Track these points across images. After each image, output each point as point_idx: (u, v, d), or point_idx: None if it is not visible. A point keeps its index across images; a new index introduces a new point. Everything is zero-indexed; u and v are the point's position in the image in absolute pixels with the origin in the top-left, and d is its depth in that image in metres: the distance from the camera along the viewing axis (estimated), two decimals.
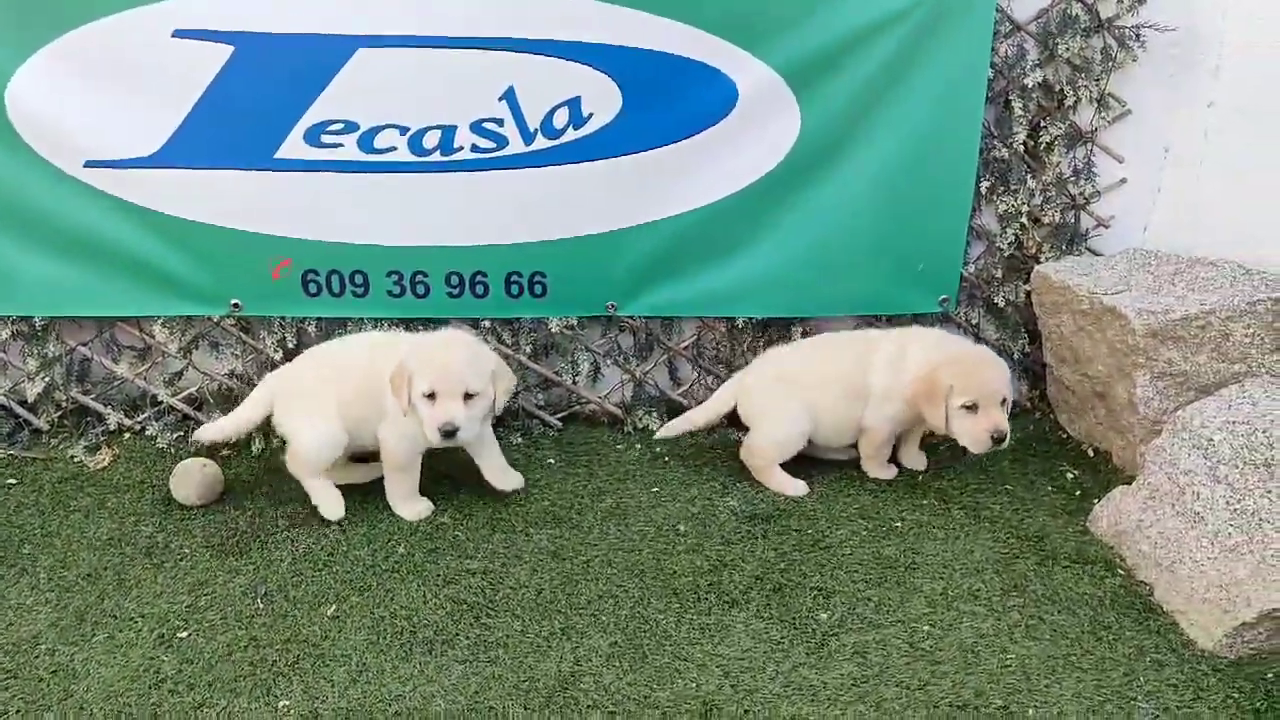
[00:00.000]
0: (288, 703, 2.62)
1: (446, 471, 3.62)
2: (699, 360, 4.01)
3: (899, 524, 3.41)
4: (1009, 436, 3.29)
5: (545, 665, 2.75)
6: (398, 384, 3.15)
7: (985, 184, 3.81)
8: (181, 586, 3.06)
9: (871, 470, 3.64)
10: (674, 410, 4.03)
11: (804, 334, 3.94)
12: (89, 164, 3.46)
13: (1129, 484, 3.28)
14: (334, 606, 2.98)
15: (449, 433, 3.10)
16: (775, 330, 3.95)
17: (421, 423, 3.15)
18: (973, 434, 3.30)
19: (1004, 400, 3.30)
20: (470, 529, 3.36)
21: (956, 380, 3.30)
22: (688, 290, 3.85)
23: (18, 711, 2.57)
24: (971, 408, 3.29)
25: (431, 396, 3.12)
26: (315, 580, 3.09)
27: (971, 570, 3.14)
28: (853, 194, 3.75)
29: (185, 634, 2.86)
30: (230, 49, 3.39)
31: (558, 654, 2.80)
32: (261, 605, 2.98)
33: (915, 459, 3.75)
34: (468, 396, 3.12)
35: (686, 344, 3.99)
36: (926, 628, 2.90)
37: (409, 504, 3.42)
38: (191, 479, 3.42)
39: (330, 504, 3.36)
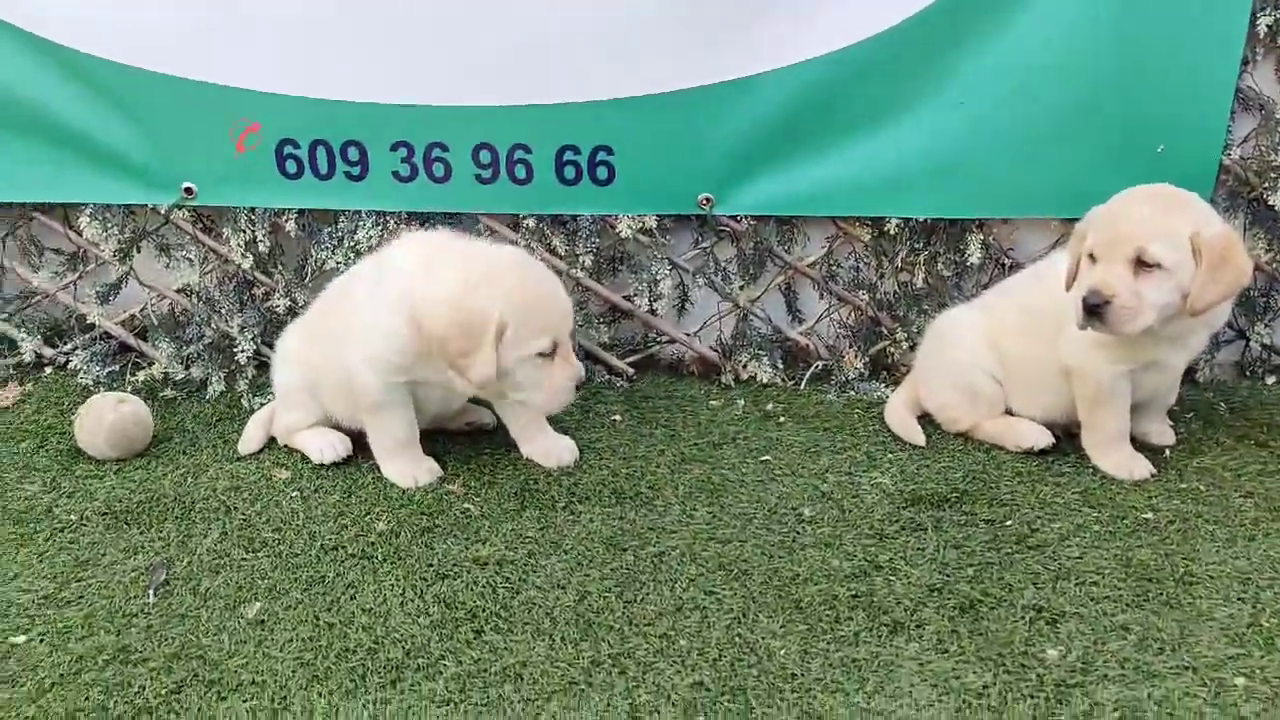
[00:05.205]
0: None
1: (462, 429, 2.56)
2: (830, 283, 2.84)
3: (1149, 516, 2.20)
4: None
5: (582, 715, 1.64)
6: (465, 342, 2.11)
7: (1265, 20, 2.57)
8: (48, 567, 2.04)
9: (1100, 456, 2.41)
10: (791, 356, 2.87)
11: (985, 243, 2.75)
12: None
13: None
14: (259, 605, 1.91)
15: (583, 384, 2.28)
16: (941, 239, 2.77)
17: (525, 391, 2.23)
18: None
19: (1139, 258, 2.19)
20: (488, 502, 2.27)
21: (1089, 225, 2.30)
22: (814, 179, 2.73)
23: None
24: (1091, 257, 2.28)
25: (550, 354, 2.19)
26: (245, 566, 2.04)
27: None
28: (1054, 38, 2.61)
29: (24, 638, 1.84)
30: None
31: (603, 698, 1.68)
32: (153, 598, 1.93)
33: (1160, 430, 2.53)
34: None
35: (813, 259, 2.83)
36: (1239, 680, 1.69)
37: (400, 463, 2.35)
38: (102, 420, 2.41)
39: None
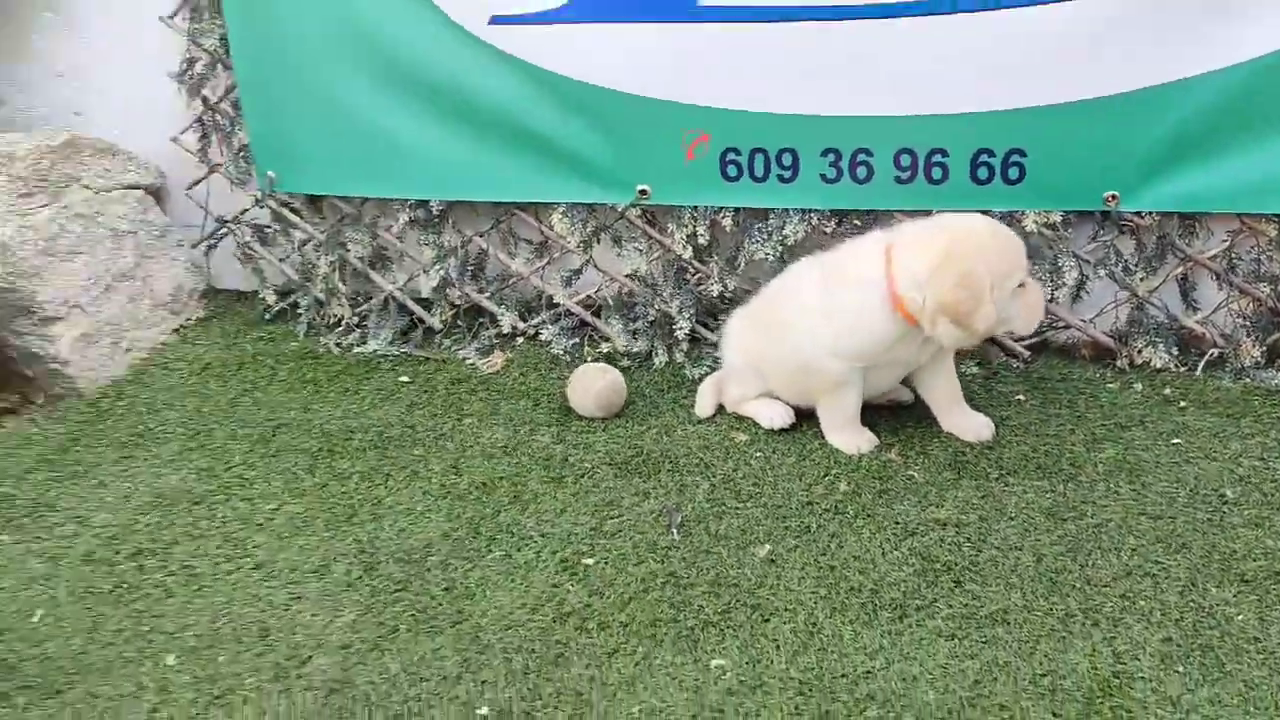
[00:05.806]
0: (723, 662, 2.01)
1: (884, 404, 2.90)
2: (1229, 276, 2.97)
3: None
4: None
5: (1071, 657, 1.96)
6: (971, 299, 2.42)
7: None
8: (584, 506, 2.56)
9: None
10: (1184, 343, 3.03)
11: None
12: (494, 20, 3.04)
13: None
14: (768, 547, 2.34)
15: None
16: None
17: (1011, 321, 2.55)
18: None
19: None
20: (928, 470, 2.61)
21: None
22: (1223, 176, 2.83)
23: (408, 629, 2.16)
24: None
25: (1022, 285, 2.54)
26: (740, 514, 2.48)
27: None
28: None
29: (591, 561, 2.34)
30: None
31: (1085, 644, 1.99)
32: (677, 536, 2.41)
33: None
34: None
35: (1214, 253, 2.96)
36: None
37: (848, 434, 2.73)
38: (591, 386, 2.94)
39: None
